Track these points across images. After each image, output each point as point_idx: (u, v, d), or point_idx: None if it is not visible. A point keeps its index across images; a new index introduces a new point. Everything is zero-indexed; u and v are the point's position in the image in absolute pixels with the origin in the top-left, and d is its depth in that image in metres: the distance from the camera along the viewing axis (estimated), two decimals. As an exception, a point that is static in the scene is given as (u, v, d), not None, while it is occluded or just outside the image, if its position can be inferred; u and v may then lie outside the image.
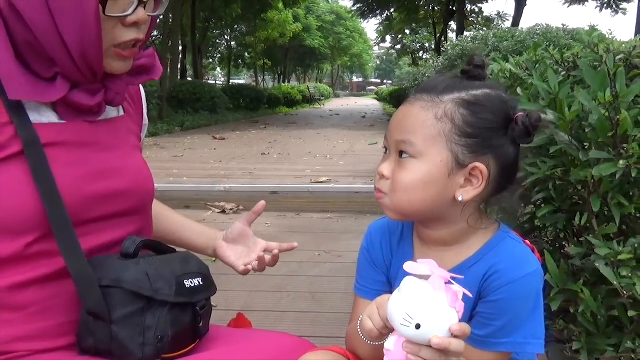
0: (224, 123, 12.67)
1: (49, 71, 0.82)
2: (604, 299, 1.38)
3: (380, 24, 28.14)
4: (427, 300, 0.66)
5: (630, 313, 1.32)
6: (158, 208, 1.17)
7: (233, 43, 28.69)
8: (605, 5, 21.23)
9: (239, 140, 7.75)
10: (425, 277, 0.67)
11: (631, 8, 20.80)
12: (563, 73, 1.73)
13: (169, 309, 0.91)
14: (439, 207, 0.81)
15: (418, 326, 0.65)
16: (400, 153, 0.80)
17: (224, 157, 5.71)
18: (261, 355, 0.91)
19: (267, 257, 1.04)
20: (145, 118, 1.08)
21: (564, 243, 1.84)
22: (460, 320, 0.66)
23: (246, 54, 30.40)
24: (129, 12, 0.80)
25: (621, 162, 1.20)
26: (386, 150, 0.84)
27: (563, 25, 5.15)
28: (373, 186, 0.94)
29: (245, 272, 1.05)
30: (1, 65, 0.79)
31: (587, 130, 1.33)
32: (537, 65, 1.76)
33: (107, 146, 0.92)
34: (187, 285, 0.95)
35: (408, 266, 0.68)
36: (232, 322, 1.16)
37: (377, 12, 24.17)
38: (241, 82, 37.82)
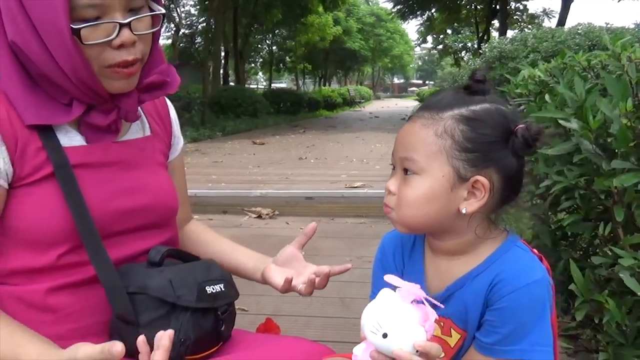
0: (264, 127, 12.87)
1: (64, 97, 0.89)
2: (630, 309, 1.36)
3: (421, 24, 27.79)
4: (398, 313, 0.69)
5: (658, 325, 1.30)
6: (208, 235, 1.22)
7: (274, 47, 29.04)
8: (658, -2, 20.32)
9: (278, 145, 7.88)
10: (406, 298, 0.71)
11: (687, 1, 19.87)
12: (592, 80, 1.71)
13: (190, 313, 0.96)
14: (444, 219, 0.83)
15: (385, 335, 0.68)
16: (405, 170, 0.83)
17: (262, 162, 5.83)
18: (295, 352, 0.97)
19: (317, 278, 1.01)
20: (175, 136, 1.12)
21: (597, 250, 1.82)
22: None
23: (287, 58, 30.69)
24: (113, 36, 0.83)
25: (643, 172, 1.19)
26: (394, 167, 0.87)
27: (606, 24, 5.00)
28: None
29: (285, 290, 1.01)
30: (16, 98, 0.86)
31: (610, 140, 1.32)
32: (565, 72, 1.74)
33: (132, 165, 0.98)
34: (208, 291, 1.00)
35: (388, 278, 0.72)
36: (260, 326, 1.22)
37: (418, 13, 23.93)
38: (282, 85, 38.25)
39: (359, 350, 0.73)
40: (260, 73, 38.57)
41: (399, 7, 22.85)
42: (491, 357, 0.83)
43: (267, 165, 5.65)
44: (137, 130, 1.02)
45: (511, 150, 0.81)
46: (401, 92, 76.12)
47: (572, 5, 17.43)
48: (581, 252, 1.88)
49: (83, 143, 0.92)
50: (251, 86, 26.84)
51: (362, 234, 3.27)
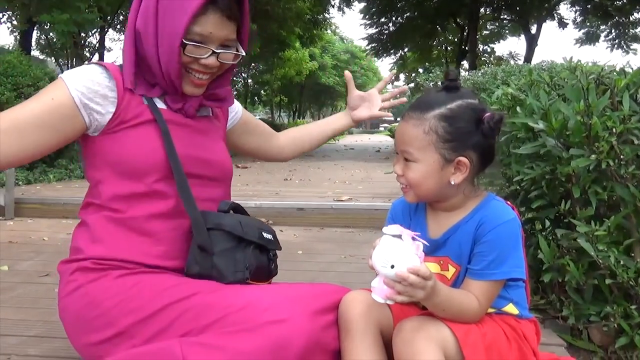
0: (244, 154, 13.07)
1: (153, 80, 1.22)
2: (586, 270, 1.69)
3: (394, 63, 28.71)
4: (398, 249, 0.95)
5: (608, 281, 1.63)
6: (295, 132, 1.70)
7: (250, 80, 29.45)
8: (615, 45, 21.70)
9: (261, 169, 8.15)
10: (398, 236, 0.98)
11: (641, 48, 21.28)
12: (553, 94, 2.09)
13: (253, 248, 1.25)
14: (440, 190, 1.13)
15: (392, 266, 0.94)
16: (405, 159, 1.13)
17: (250, 182, 6.09)
18: (321, 288, 1.22)
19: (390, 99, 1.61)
20: (232, 112, 1.48)
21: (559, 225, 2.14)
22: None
23: (262, 91, 31.10)
24: (204, 56, 1.18)
25: (592, 156, 1.54)
26: (397, 153, 1.17)
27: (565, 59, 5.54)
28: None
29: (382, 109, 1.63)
30: (126, 67, 1.19)
31: (568, 134, 1.67)
32: (532, 87, 2.12)
33: (203, 131, 1.30)
34: (264, 236, 1.30)
35: (385, 229, 0.99)
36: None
37: (391, 51, 24.67)
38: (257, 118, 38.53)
39: (375, 283, 0.98)
40: (235, 105, 38.75)
41: (373, 45, 23.57)
42: (482, 280, 1.09)
43: (256, 184, 5.92)
44: (204, 111, 1.34)
45: (481, 134, 1.08)
46: (373, 127, 77.41)
47: (537, 49, 18.56)
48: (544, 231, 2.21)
49: (165, 107, 1.24)
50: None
51: (352, 240, 3.56)
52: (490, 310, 1.15)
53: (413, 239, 0.98)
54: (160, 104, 1.24)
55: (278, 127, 20.28)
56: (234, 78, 29.76)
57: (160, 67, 1.17)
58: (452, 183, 1.10)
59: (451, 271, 1.17)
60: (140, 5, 1.18)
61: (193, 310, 1.05)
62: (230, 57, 1.23)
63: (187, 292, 1.08)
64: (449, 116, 1.07)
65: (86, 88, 1.14)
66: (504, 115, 1.09)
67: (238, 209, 1.37)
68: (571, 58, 1.81)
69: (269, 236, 1.34)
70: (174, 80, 1.18)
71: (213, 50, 1.18)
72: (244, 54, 1.26)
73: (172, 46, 1.13)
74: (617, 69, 1.75)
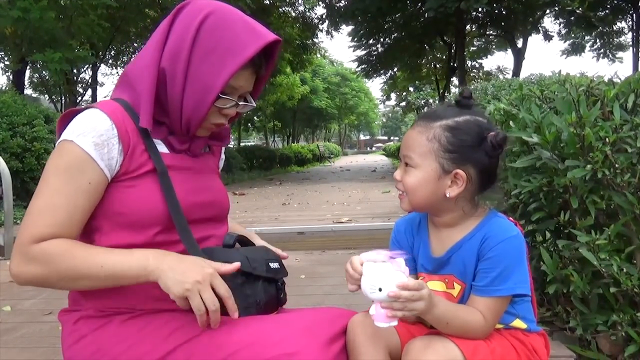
0: (240, 181, 13.10)
1: (162, 118, 1.18)
2: (590, 280, 1.70)
3: (384, 83, 28.93)
4: (381, 272, 0.98)
5: (612, 290, 1.64)
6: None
7: (243, 107, 29.59)
8: (601, 54, 22.04)
9: (258, 195, 8.14)
10: (380, 260, 0.99)
11: (627, 56, 21.62)
12: (545, 107, 2.13)
13: (261, 282, 1.24)
14: (436, 200, 1.12)
15: (380, 289, 0.96)
16: (406, 164, 1.14)
17: (248, 208, 6.08)
18: (327, 314, 1.21)
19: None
20: (222, 157, 1.43)
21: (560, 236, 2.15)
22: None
23: (255, 117, 31.26)
24: (227, 106, 1.18)
25: (588, 166, 1.56)
26: (400, 161, 1.19)
27: (554, 72, 5.61)
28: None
29: None
30: (145, 105, 1.14)
31: (562, 146, 1.70)
32: (524, 101, 2.16)
33: (200, 171, 1.27)
34: (272, 266, 1.29)
35: (364, 256, 1.01)
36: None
37: (381, 72, 24.79)
38: (251, 144, 38.77)
39: (372, 310, 0.99)
40: (229, 132, 38.85)
41: (363, 66, 23.74)
42: (486, 296, 1.07)
43: (254, 210, 5.90)
44: (203, 149, 1.32)
45: (484, 151, 1.08)
46: (367, 147, 77.52)
47: (524, 62, 18.82)
48: (545, 244, 2.22)
49: (167, 151, 1.20)
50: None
51: (354, 261, 3.54)
52: (498, 325, 1.15)
53: (392, 258, 0.99)
54: (162, 147, 1.20)
55: (273, 152, 20.36)
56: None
57: (180, 109, 1.15)
58: (447, 195, 1.10)
59: (457, 289, 1.17)
60: (166, 44, 1.14)
61: (203, 350, 1.04)
62: (247, 108, 1.24)
63: (195, 332, 1.07)
64: (454, 127, 1.08)
65: (108, 151, 1.10)
66: (506, 135, 1.09)
67: (242, 241, 1.36)
68: (560, 71, 1.85)
69: (276, 265, 1.33)
70: (193, 125, 1.17)
71: (236, 102, 1.18)
72: (254, 105, 1.27)
73: (205, 97, 1.12)
74: (606, 80, 1.79)
